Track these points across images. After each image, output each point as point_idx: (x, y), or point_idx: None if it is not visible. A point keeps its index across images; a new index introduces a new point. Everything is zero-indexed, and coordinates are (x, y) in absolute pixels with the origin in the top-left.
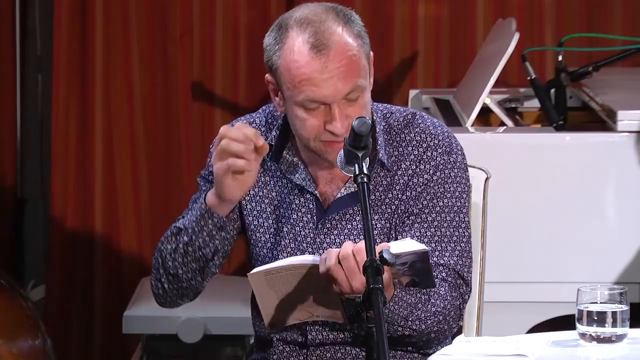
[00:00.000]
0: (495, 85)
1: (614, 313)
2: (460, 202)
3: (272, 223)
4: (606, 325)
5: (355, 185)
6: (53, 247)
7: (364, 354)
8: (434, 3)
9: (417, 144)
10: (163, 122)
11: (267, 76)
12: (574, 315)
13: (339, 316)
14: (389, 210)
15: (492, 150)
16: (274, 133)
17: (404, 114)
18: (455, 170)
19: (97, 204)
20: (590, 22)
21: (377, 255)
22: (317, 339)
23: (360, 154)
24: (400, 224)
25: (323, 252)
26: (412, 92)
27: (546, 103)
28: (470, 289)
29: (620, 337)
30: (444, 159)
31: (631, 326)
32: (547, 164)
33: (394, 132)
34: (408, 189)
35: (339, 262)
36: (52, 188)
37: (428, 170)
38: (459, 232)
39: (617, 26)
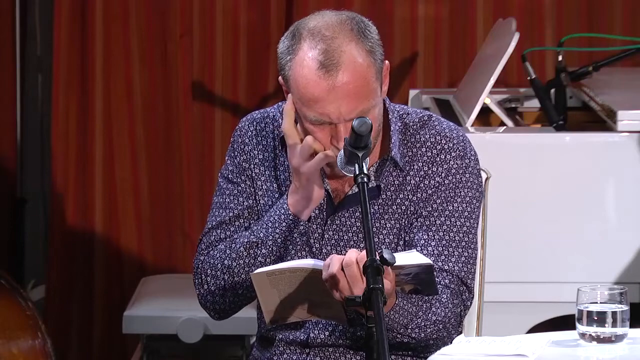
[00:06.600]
0: (495, 85)
1: (614, 313)
2: (471, 207)
3: None
4: (606, 325)
5: (368, 183)
6: (53, 247)
7: (364, 357)
8: (434, 3)
9: (432, 146)
10: (163, 122)
11: (280, 79)
12: (574, 315)
13: (340, 318)
14: (399, 210)
15: (492, 150)
16: None
17: (420, 115)
18: (467, 175)
19: (97, 204)
20: (590, 22)
21: (377, 255)
22: (318, 338)
23: (360, 154)
24: (409, 225)
25: (330, 248)
26: (412, 92)
27: (546, 103)
28: (473, 295)
29: (620, 337)
30: (457, 163)
31: (631, 326)
32: (547, 164)
33: (409, 133)
34: (419, 190)
35: (342, 269)
36: (52, 188)
37: (440, 173)
38: (468, 237)
39: (617, 26)
